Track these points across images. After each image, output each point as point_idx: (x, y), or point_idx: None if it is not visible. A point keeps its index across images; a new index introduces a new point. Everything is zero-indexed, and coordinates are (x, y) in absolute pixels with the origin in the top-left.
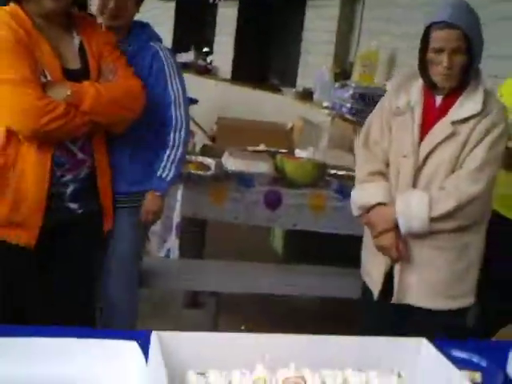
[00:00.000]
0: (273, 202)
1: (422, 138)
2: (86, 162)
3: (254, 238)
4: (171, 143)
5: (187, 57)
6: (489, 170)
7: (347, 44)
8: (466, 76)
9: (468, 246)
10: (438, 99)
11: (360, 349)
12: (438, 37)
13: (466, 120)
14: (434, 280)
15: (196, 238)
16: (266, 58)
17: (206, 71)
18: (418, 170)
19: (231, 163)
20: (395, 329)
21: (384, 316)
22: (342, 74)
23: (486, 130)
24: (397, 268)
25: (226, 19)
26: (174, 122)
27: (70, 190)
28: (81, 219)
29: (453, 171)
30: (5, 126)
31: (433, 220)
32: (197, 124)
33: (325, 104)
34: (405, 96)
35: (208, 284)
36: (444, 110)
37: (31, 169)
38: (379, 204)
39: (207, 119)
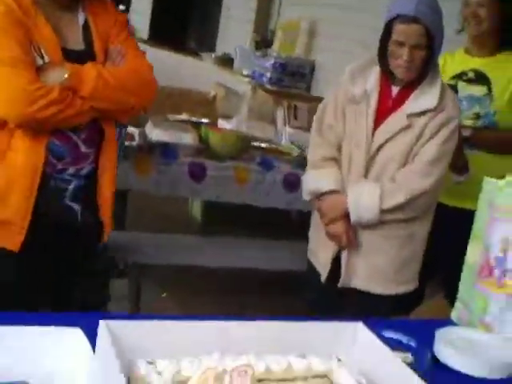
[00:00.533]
0: (197, 173)
1: (375, 128)
2: (89, 156)
3: (174, 204)
4: None
5: None
6: (441, 164)
7: (268, 12)
8: (425, 69)
9: (414, 235)
10: (395, 90)
11: (301, 333)
12: (401, 30)
13: (421, 113)
14: (379, 266)
15: (118, 208)
16: (184, 20)
17: None
18: (369, 160)
19: (156, 134)
20: (337, 307)
21: (328, 295)
22: (263, 42)
23: (440, 124)
24: (344, 253)
25: None
26: None
27: (71, 187)
28: (79, 226)
29: (405, 163)
30: None
31: (383, 211)
32: None
33: (245, 72)
34: (361, 84)
35: (132, 255)
36: (399, 101)
37: (22, 158)
38: (331, 191)
39: None
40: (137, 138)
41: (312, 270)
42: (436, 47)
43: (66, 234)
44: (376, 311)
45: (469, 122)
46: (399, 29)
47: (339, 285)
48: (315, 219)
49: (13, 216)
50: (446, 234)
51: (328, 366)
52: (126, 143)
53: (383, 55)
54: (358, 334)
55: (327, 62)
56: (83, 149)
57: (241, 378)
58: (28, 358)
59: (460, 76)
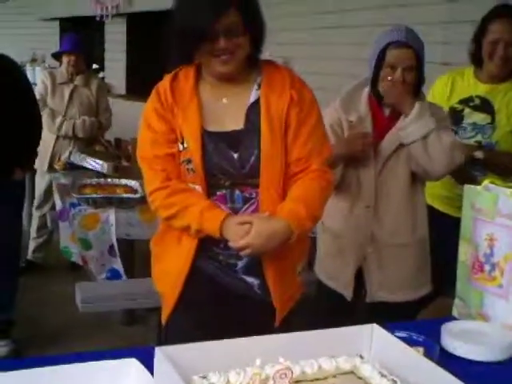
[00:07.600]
0: None
1: (375, 148)
2: None
3: None
4: None
5: None
6: None
7: None
8: (416, 93)
9: (422, 242)
10: (386, 110)
11: (327, 339)
12: (395, 55)
13: None
14: (400, 275)
15: (127, 257)
16: (159, 70)
17: None
18: (377, 177)
19: None
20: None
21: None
22: None
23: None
24: (366, 270)
25: (115, 35)
26: None
27: (242, 262)
28: (260, 299)
29: (409, 173)
30: None
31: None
32: (112, 145)
33: None
34: (355, 110)
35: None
36: (393, 119)
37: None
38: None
39: (110, 137)
40: (139, 189)
41: (329, 293)
42: (423, 70)
43: (243, 307)
44: (393, 317)
45: None
46: (392, 53)
47: (367, 300)
48: (327, 245)
49: (166, 291)
50: (447, 241)
51: (353, 363)
52: (130, 195)
53: (375, 81)
54: (374, 333)
55: None
56: None
57: (282, 380)
58: None
59: (467, 102)
